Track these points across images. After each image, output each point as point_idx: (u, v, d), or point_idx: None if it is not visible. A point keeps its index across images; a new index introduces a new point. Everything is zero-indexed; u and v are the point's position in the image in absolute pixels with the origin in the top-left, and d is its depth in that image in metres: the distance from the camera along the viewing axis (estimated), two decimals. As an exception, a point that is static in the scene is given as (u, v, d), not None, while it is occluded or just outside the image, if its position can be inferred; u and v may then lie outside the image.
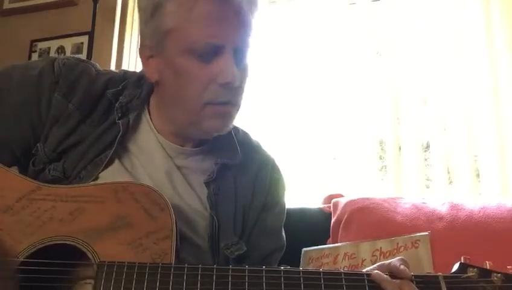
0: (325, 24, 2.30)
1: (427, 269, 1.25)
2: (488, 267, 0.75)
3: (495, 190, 1.88)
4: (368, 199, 1.52)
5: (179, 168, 0.95)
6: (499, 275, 0.73)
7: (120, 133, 0.91)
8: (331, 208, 1.56)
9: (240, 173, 0.99)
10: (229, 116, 0.89)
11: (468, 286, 0.73)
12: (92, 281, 0.73)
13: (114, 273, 0.72)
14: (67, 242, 0.76)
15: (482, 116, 1.97)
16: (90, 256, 0.75)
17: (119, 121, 0.92)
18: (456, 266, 0.76)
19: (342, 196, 1.62)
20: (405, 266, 0.74)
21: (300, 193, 2.11)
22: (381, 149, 2.21)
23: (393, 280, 0.72)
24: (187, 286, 0.71)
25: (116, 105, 0.93)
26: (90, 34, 2.54)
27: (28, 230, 0.76)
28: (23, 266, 0.75)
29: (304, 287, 0.71)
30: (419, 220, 1.39)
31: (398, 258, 0.76)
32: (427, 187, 2.05)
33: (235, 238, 0.94)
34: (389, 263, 0.75)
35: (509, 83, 1.94)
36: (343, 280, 0.72)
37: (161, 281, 0.71)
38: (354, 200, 1.52)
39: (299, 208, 1.63)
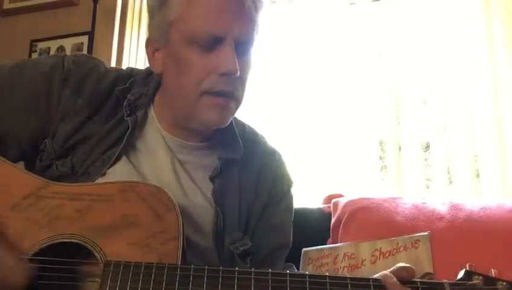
0: (325, 24, 2.30)
1: (427, 269, 1.25)
2: (493, 275, 0.74)
3: (495, 190, 1.88)
4: (368, 199, 1.52)
5: (181, 163, 0.96)
6: (504, 283, 0.73)
7: (129, 130, 0.92)
8: (331, 208, 1.56)
9: (244, 167, 0.99)
10: (227, 108, 0.89)
11: None
12: (98, 280, 0.73)
13: (120, 273, 0.72)
14: (74, 240, 0.76)
15: (482, 116, 1.97)
16: (97, 255, 0.75)
17: (128, 118, 0.93)
18: (461, 273, 0.75)
19: (342, 196, 1.62)
20: (407, 269, 0.73)
21: (300, 193, 2.11)
22: (381, 149, 2.21)
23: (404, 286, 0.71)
24: (193, 287, 0.70)
25: (125, 103, 0.94)
26: (90, 34, 2.54)
27: (35, 227, 0.76)
28: (30, 264, 0.74)
29: None
30: (419, 220, 1.39)
31: (400, 264, 0.75)
32: (427, 187, 2.05)
33: (240, 234, 0.94)
34: (397, 268, 0.74)
35: (509, 83, 1.94)
36: (349, 285, 0.72)
37: (167, 281, 0.71)
38: (354, 200, 1.52)
39: (299, 208, 1.62)
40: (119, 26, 2.54)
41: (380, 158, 2.20)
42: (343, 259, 1.36)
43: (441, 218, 1.39)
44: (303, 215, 1.58)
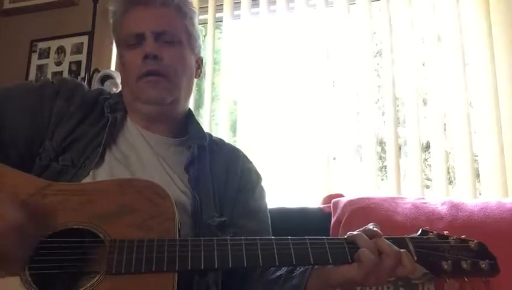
0: (325, 24, 2.30)
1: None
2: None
3: (495, 190, 1.88)
4: (368, 199, 1.52)
5: (163, 158, 1.09)
6: (455, 237, 0.88)
7: (110, 121, 1.07)
8: (331, 208, 1.56)
9: (213, 157, 1.16)
10: (158, 84, 1.06)
11: (431, 245, 0.87)
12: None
13: (126, 247, 0.80)
14: (80, 226, 0.82)
15: (482, 116, 1.97)
16: (102, 236, 0.82)
17: (108, 114, 1.09)
18: (418, 232, 0.90)
19: (342, 196, 1.62)
20: (377, 228, 0.87)
21: (300, 193, 2.11)
22: (381, 149, 2.21)
23: (369, 239, 0.83)
24: (191, 253, 0.81)
25: (105, 104, 1.11)
26: (90, 34, 2.54)
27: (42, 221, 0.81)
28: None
29: (293, 250, 0.83)
30: (419, 220, 1.39)
31: (371, 223, 0.89)
32: (427, 187, 2.05)
33: (216, 214, 1.07)
34: (364, 228, 0.88)
35: (509, 83, 1.94)
36: (326, 243, 0.85)
37: (168, 250, 0.80)
38: (354, 200, 1.52)
39: (299, 208, 1.63)
40: (119, 26, 2.54)
41: (380, 158, 2.20)
42: (343, 259, 1.36)
43: (441, 218, 1.39)
44: (303, 215, 1.58)
